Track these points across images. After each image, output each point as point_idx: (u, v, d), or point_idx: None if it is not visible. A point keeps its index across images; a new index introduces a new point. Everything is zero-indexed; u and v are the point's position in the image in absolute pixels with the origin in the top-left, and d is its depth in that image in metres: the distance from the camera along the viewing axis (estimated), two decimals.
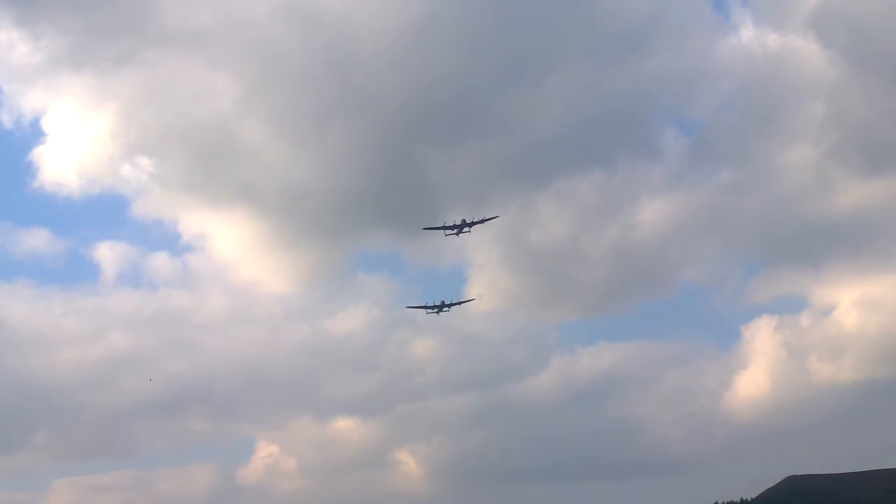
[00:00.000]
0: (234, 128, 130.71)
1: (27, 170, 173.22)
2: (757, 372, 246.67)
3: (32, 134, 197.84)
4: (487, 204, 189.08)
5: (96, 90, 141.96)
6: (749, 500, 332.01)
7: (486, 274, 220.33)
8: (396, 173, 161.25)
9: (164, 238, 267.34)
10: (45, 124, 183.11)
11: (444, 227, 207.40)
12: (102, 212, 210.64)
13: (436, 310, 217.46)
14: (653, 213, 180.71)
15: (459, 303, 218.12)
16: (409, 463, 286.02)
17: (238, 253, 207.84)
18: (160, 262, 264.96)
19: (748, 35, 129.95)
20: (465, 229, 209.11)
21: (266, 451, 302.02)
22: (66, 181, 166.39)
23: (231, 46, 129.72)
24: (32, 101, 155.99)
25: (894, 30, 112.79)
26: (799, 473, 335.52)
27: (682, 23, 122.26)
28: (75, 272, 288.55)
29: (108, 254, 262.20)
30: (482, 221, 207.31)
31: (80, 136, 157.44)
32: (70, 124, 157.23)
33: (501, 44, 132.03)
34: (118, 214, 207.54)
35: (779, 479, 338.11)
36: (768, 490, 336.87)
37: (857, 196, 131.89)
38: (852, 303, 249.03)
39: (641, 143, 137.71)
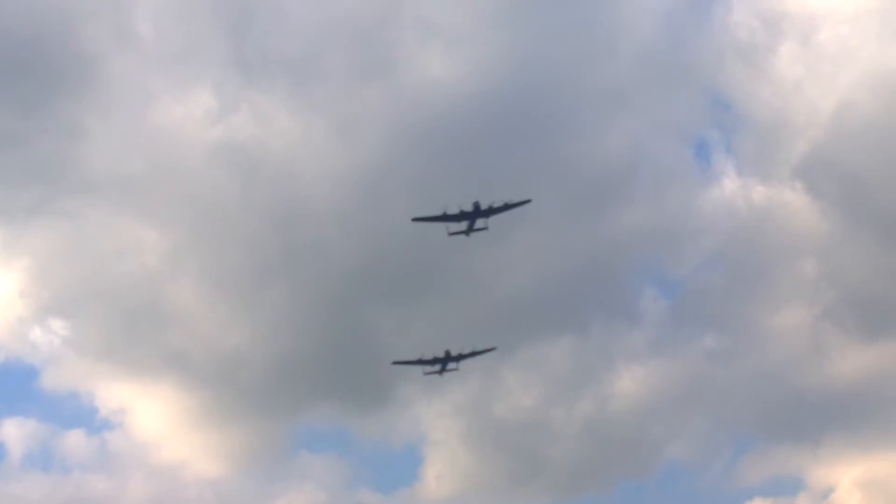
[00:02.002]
0: (163, 287, 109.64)
1: None
2: None
3: None
4: (449, 378, 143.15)
5: (5, 244, 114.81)
6: None
7: (444, 452, 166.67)
8: (345, 339, 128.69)
9: (79, 413, 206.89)
10: None
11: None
12: (8, 383, 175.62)
13: (438, 366, 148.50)
14: (631, 382, 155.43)
15: (473, 354, 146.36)
16: None
17: (163, 430, 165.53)
18: (74, 440, 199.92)
19: (732, 186, 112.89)
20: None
21: None
22: None
23: (162, 197, 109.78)
24: None
25: (890, 179, 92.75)
26: None
27: (662, 172, 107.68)
28: None
29: (15, 432, 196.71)
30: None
31: None
32: None
33: (462, 192, 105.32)
34: (26, 386, 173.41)
35: None
36: None
37: (857, 363, 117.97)
38: (854, 483, 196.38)
39: (618, 304, 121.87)
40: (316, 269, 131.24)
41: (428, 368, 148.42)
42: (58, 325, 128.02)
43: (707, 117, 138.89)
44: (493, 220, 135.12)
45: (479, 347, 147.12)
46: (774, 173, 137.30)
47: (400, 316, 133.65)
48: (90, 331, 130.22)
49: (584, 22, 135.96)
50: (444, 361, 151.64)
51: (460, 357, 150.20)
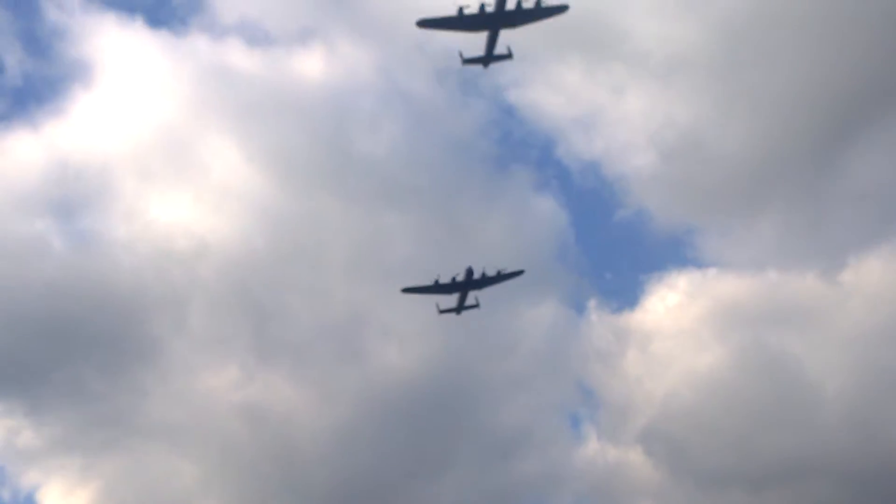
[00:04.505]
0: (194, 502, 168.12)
1: None
2: None
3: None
4: None
5: (83, 469, 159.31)
6: None
7: None
8: None
9: None
10: (39, 497, 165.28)
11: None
12: None
13: (456, 296, 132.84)
14: None
15: (499, 277, 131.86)
16: None
17: None
18: None
19: (593, 447, 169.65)
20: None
21: None
22: None
23: (196, 439, 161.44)
24: (30, 478, 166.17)
25: (701, 445, 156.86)
26: None
27: (546, 436, 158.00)
28: None
29: None
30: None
31: None
32: (59, 497, 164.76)
33: (409, 446, 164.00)
34: None
35: None
36: None
37: None
38: None
39: None
40: (303, 494, 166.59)
41: (445, 304, 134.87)
42: None
43: (577, 399, 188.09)
44: (431, 465, 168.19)
45: (507, 271, 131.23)
46: (622, 440, 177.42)
47: None
48: None
49: (495, 330, 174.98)
50: (463, 287, 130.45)
51: (483, 281, 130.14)
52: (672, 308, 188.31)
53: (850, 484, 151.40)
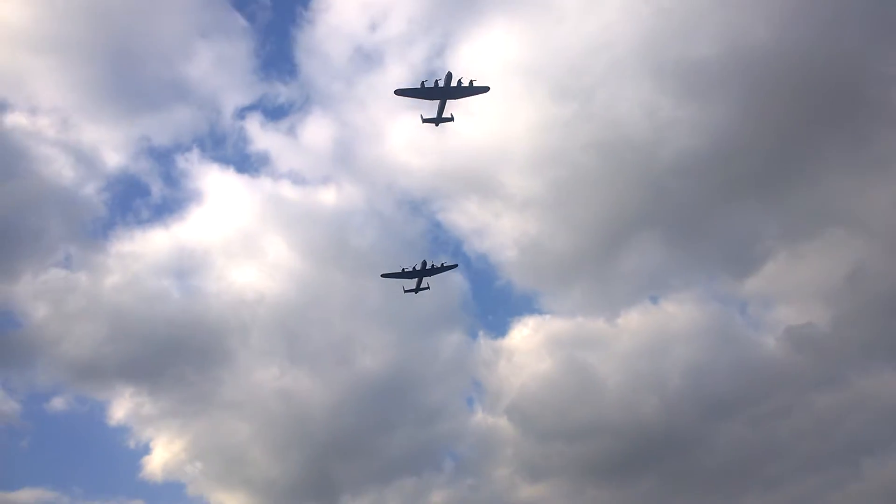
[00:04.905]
0: (249, 450, 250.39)
1: (138, 468, 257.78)
2: None
3: (143, 449, 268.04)
4: (364, 495, 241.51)
5: (180, 428, 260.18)
6: None
7: None
8: (320, 477, 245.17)
9: None
10: (151, 446, 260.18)
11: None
12: (171, 492, 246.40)
13: (415, 281, 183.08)
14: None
15: (442, 268, 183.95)
16: None
17: None
18: None
19: (480, 417, 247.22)
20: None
21: None
22: (157, 474, 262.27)
23: (250, 410, 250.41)
24: (147, 433, 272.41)
25: (541, 415, 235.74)
26: None
27: (453, 410, 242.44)
28: None
29: None
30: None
31: (166, 451, 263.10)
32: (162, 446, 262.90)
33: (374, 414, 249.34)
34: (179, 494, 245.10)
35: None
36: None
37: (527, 493, 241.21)
38: None
39: (433, 464, 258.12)
40: (312, 443, 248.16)
41: (407, 286, 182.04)
42: (198, 465, 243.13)
43: (472, 388, 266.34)
44: (387, 425, 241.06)
45: (447, 263, 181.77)
46: (496, 412, 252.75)
47: (347, 464, 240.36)
48: (214, 468, 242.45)
49: (426, 349, 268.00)
50: (419, 274, 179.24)
51: (432, 270, 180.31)
52: (525, 337, 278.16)
53: (620, 437, 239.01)
